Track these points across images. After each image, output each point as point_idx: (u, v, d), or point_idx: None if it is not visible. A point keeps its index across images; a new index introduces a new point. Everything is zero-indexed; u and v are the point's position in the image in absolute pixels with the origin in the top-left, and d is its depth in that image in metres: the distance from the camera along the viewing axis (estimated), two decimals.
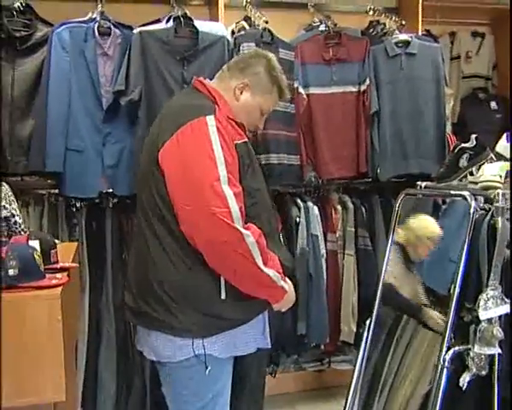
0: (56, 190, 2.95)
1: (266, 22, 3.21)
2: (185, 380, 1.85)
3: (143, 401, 2.99)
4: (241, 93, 1.96)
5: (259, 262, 1.76)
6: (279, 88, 2.02)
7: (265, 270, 1.78)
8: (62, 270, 1.88)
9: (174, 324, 1.79)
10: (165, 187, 1.78)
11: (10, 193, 2.59)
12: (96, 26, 2.87)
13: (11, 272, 1.66)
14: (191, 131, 1.75)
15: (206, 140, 1.73)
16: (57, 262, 1.93)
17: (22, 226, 2.59)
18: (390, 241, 2.70)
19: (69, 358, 1.89)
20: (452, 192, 2.42)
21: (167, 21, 3.00)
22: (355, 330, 3.30)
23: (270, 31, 3.16)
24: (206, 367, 1.80)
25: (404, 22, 3.51)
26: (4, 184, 2.60)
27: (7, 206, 2.52)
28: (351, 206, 3.39)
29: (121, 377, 2.99)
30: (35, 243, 1.84)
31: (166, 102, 2.14)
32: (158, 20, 3.03)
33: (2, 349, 1.60)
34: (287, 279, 1.94)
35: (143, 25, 2.97)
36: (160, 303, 1.81)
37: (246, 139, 1.88)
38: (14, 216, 2.55)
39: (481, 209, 2.32)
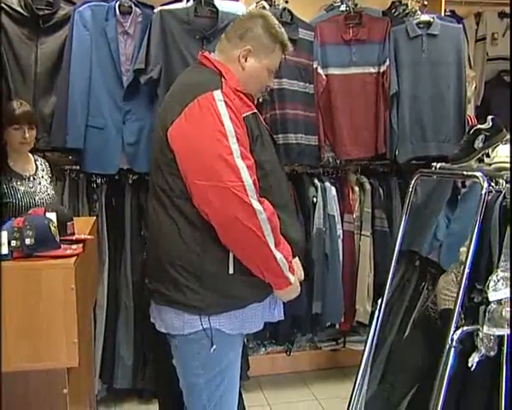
0: (77, 167, 3.00)
1: (286, 2, 3.21)
2: (194, 353, 1.88)
3: (160, 373, 3.06)
4: (246, 60, 1.93)
5: (269, 240, 1.75)
6: (281, 43, 1.98)
7: (274, 251, 1.77)
8: (78, 242, 1.93)
9: (182, 300, 1.82)
10: (175, 166, 1.79)
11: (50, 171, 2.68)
12: (117, 4, 2.90)
13: (27, 241, 1.72)
14: (199, 107, 1.75)
15: (215, 115, 1.74)
16: (73, 234, 1.99)
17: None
18: (404, 220, 2.71)
19: (84, 326, 1.95)
20: (465, 173, 2.40)
21: (188, 0, 3.02)
22: (370, 310, 3.31)
23: (289, 11, 3.16)
24: (212, 344, 1.83)
25: (426, 2, 3.45)
26: (46, 162, 2.68)
27: (52, 183, 2.61)
28: (368, 187, 3.38)
29: (138, 350, 3.06)
30: (52, 215, 1.89)
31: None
32: (179, 0, 3.06)
33: (18, 316, 1.67)
34: (297, 262, 1.95)
35: (164, 4, 3.00)
36: (171, 280, 1.84)
37: (254, 110, 1.88)
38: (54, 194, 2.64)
39: (496, 191, 2.31)
